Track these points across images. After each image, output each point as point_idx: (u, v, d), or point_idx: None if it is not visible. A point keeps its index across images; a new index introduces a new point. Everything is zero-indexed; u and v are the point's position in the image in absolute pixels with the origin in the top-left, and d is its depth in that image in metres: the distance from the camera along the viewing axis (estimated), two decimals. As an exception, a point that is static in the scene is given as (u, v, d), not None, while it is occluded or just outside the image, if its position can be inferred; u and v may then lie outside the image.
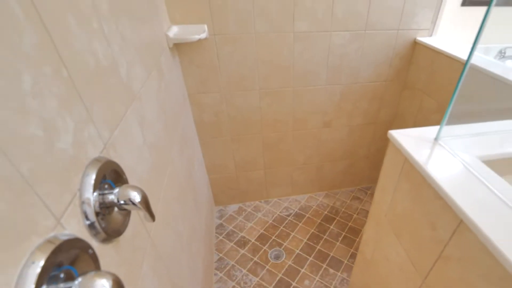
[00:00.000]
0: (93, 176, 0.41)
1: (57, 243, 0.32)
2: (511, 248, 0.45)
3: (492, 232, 0.48)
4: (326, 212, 1.88)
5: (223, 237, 1.72)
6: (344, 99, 1.63)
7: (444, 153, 0.68)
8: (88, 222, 0.40)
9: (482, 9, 1.65)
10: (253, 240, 1.70)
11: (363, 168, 1.99)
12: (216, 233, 1.75)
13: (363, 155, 1.93)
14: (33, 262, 0.29)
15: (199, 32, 1.08)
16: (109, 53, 0.53)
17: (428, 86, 1.48)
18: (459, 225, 0.55)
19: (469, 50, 0.65)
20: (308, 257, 1.60)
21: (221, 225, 1.80)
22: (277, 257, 1.61)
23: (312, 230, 1.76)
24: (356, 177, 2.04)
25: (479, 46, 2.03)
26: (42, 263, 0.29)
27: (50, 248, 0.31)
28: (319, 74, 1.50)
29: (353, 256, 1.60)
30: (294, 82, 1.49)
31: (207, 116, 1.51)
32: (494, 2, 0.62)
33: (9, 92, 0.29)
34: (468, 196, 0.55)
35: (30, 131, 0.31)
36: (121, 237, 0.49)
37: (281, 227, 1.78)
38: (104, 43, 0.51)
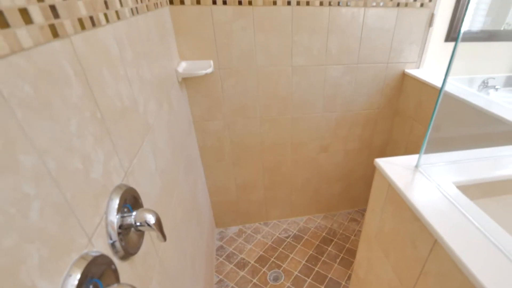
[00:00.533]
0: (117, 201, 0.48)
1: (89, 259, 0.38)
2: (478, 266, 0.50)
3: (462, 251, 0.53)
4: (324, 234, 1.90)
5: (223, 258, 1.74)
6: (339, 125, 1.71)
7: (422, 179, 0.74)
8: (111, 241, 0.46)
9: (462, 44, 1.77)
10: (252, 262, 1.71)
11: (359, 190, 2.04)
12: (216, 255, 1.77)
13: (359, 178, 1.98)
14: (70, 275, 0.35)
15: (206, 67, 1.18)
16: (130, 94, 0.61)
17: (417, 113, 1.57)
18: (434, 244, 0.60)
19: (441, 83, 0.73)
20: (306, 278, 1.61)
21: (221, 247, 1.82)
22: (276, 279, 1.62)
23: (311, 252, 1.77)
24: (353, 199, 2.08)
25: (464, 77, 2.15)
26: (78, 276, 0.35)
27: (84, 264, 0.37)
28: (315, 103, 1.59)
29: (351, 277, 1.61)
30: (293, 110, 1.58)
31: (210, 142, 1.59)
32: (460, 39, 0.70)
33: (62, 135, 0.36)
34: (442, 219, 0.61)
35: (74, 165, 0.38)
36: (136, 255, 0.54)
37: (280, 249, 1.80)
38: (127, 86, 0.59)
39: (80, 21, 0.43)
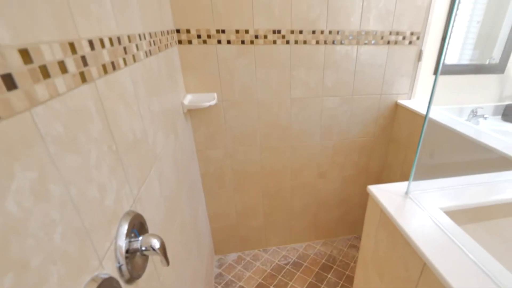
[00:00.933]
0: (126, 227, 0.51)
1: (99, 281, 0.41)
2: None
3: (450, 274, 0.55)
4: (323, 261, 1.87)
5: (221, 287, 1.70)
6: (336, 153, 1.76)
7: (412, 206, 0.77)
8: (118, 265, 0.49)
9: (449, 77, 1.87)
10: (252, 290, 1.67)
11: (358, 216, 2.04)
12: (215, 282, 1.73)
13: (357, 204, 1.99)
14: (82, 296, 0.38)
15: (210, 100, 1.26)
16: (142, 127, 0.66)
17: (410, 141, 1.62)
18: (423, 267, 0.62)
19: (425, 113, 0.78)
20: (307, 309, 1.56)
21: (220, 274, 1.79)
22: (276, 308, 1.57)
23: (310, 280, 1.74)
24: (352, 225, 2.07)
25: (454, 106, 2.22)
26: (90, 296, 0.38)
27: (94, 285, 0.39)
28: (313, 132, 1.65)
29: (352, 308, 1.56)
30: (291, 139, 1.64)
31: (212, 169, 1.63)
32: (439, 73, 0.76)
33: (83, 166, 0.40)
34: (430, 243, 0.63)
35: (92, 194, 0.42)
36: (139, 279, 0.56)
37: (280, 276, 1.76)
38: (139, 120, 0.65)
39: (104, 66, 0.49)
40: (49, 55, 0.35)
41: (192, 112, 1.43)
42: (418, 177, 0.82)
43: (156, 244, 0.54)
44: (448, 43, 1.43)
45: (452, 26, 1.68)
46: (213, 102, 1.25)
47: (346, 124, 1.68)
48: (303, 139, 1.66)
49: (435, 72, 1.96)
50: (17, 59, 0.30)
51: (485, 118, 1.89)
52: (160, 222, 0.75)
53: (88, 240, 0.40)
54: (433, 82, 0.77)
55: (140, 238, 0.54)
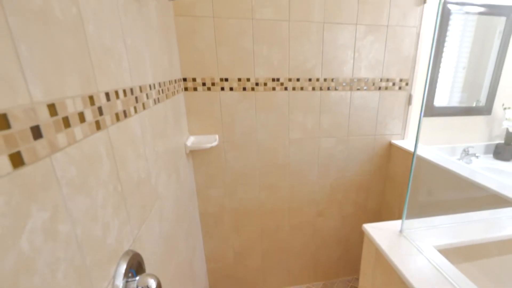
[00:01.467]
0: (124, 267, 0.51)
1: (94, 322, 0.41)
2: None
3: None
4: (326, 307, 1.75)
5: (220, 334, 1.58)
6: (334, 191, 1.76)
7: (406, 244, 0.77)
8: (114, 306, 0.48)
9: (440, 119, 1.94)
10: None
11: (358, 256, 1.96)
12: (213, 329, 1.61)
13: (356, 243, 1.93)
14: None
15: (211, 141, 1.31)
16: (146, 168, 0.70)
17: (405, 179, 1.62)
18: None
19: (413, 153, 0.81)
20: None
21: (219, 320, 1.67)
22: None
23: (313, 329, 1.61)
24: (352, 265, 1.97)
25: (446, 146, 2.26)
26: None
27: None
28: (311, 171, 1.67)
29: None
30: (290, 178, 1.66)
31: (211, 208, 1.62)
32: (422, 116, 0.81)
33: (91, 206, 0.43)
34: (425, 282, 0.62)
35: (95, 233, 0.44)
36: (134, 323, 0.55)
37: (281, 324, 1.64)
38: (144, 161, 0.69)
39: (117, 115, 0.54)
40: (72, 107, 0.40)
41: (194, 153, 1.47)
42: (413, 215, 0.82)
43: (152, 284, 0.53)
44: (435, 87, 1.52)
45: (438, 73, 1.80)
46: (214, 144, 1.30)
47: (343, 163, 1.71)
48: (301, 177, 1.67)
49: (425, 115, 2.04)
50: (45, 112, 0.34)
51: (477, 157, 1.92)
52: (158, 261, 0.74)
53: (88, 279, 0.41)
54: (417, 125, 0.81)
55: (137, 278, 0.54)
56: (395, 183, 1.74)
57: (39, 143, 0.33)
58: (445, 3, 1.66)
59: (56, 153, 0.36)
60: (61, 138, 0.37)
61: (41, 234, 0.32)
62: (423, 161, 1.48)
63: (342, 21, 1.42)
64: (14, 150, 0.29)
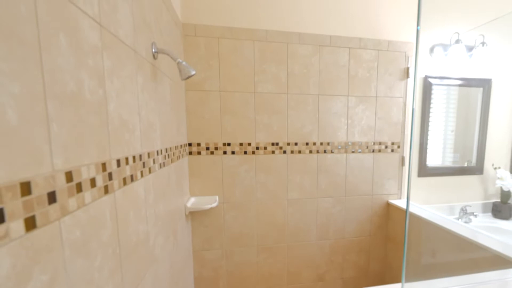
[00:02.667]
0: (113, 337, 0.47)
1: None
2: None
3: None
4: None
5: None
6: (334, 252, 1.66)
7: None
8: None
9: (433, 178, 1.94)
10: None
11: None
12: None
13: (366, 316, 1.71)
14: None
15: (211, 202, 1.31)
16: (145, 230, 0.69)
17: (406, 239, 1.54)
18: None
19: (406, 213, 0.80)
20: None
21: None
22: None
23: None
24: None
25: (444, 205, 2.21)
26: None
27: None
28: (309, 231, 1.61)
29: None
30: (288, 239, 1.59)
31: (206, 272, 1.51)
32: (412, 175, 0.82)
33: (88, 269, 0.42)
34: None
35: (89, 298, 0.42)
36: None
37: None
38: (144, 223, 0.69)
39: (124, 179, 0.57)
40: (86, 174, 0.43)
41: (193, 214, 1.45)
42: (414, 278, 0.76)
43: None
44: (426, 149, 1.58)
45: (427, 136, 1.87)
46: (214, 205, 1.30)
47: (342, 223, 1.65)
48: (300, 238, 1.60)
49: (420, 175, 2.06)
50: (62, 179, 0.38)
51: (476, 216, 1.86)
52: (149, 335, 0.67)
53: None
54: (407, 185, 0.83)
55: None
56: (397, 244, 1.65)
57: (52, 207, 0.35)
58: (425, 78, 1.84)
59: (65, 216, 0.38)
60: (72, 202, 0.39)
61: (37, 298, 0.32)
62: (423, 221, 1.43)
63: (335, 93, 1.56)
64: (30, 214, 0.31)
